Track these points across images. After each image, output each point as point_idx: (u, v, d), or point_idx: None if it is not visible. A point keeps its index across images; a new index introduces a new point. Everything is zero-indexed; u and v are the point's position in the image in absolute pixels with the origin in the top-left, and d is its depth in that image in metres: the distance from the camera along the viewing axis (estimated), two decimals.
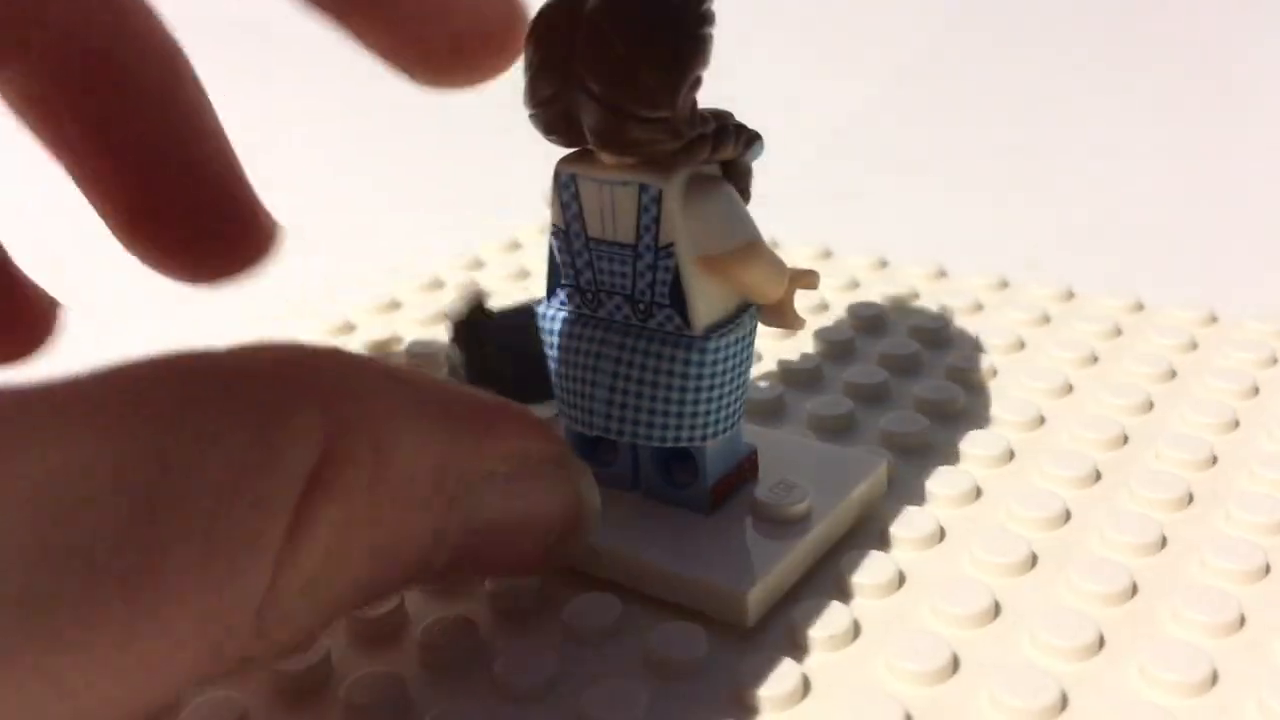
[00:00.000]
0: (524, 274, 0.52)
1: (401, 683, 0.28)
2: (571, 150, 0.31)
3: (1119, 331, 0.44)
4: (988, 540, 0.32)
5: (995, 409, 0.39)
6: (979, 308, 0.47)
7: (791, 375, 0.42)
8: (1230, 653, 0.28)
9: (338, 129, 0.84)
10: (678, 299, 0.30)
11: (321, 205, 0.68)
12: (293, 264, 0.58)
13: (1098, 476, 0.35)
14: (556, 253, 0.32)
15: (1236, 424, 0.38)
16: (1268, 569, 0.31)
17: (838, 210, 0.62)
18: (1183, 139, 0.72)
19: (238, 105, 0.89)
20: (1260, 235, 0.57)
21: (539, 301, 0.33)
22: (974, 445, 0.37)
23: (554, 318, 0.32)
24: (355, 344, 0.46)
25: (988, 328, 0.44)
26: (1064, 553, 0.32)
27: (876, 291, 0.48)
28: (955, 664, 0.28)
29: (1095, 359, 0.42)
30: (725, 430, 0.32)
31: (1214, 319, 0.44)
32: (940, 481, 0.35)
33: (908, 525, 0.33)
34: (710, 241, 0.30)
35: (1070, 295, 0.47)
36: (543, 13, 0.29)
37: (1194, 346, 0.43)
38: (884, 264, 0.51)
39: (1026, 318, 0.45)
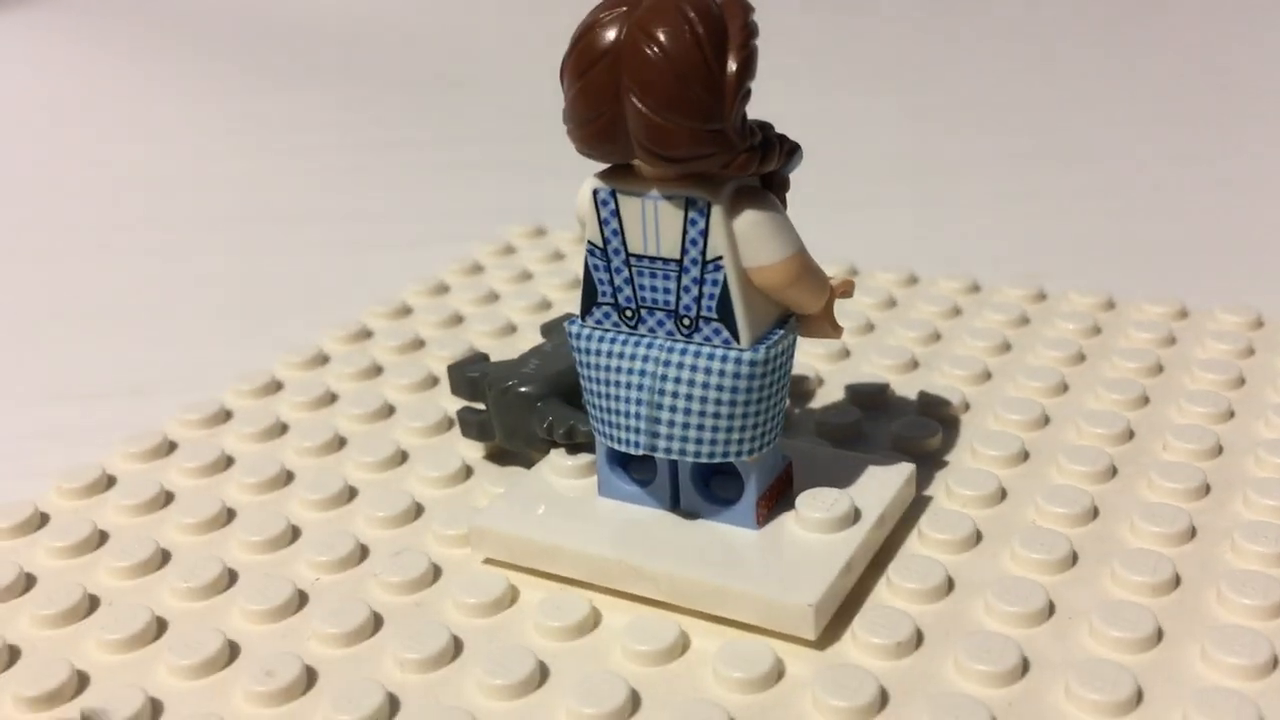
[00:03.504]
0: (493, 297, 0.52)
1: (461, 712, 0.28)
2: (604, 167, 0.31)
3: (1098, 329, 0.45)
4: (1026, 538, 0.33)
5: (999, 409, 0.39)
6: (957, 311, 0.47)
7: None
8: None
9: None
10: (726, 313, 0.30)
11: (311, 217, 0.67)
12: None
13: (1114, 471, 0.36)
14: (593, 270, 0.31)
15: (1232, 414, 0.39)
16: None
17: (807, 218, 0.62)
18: (1159, 140, 0.74)
19: (226, 123, 0.87)
20: (1220, 231, 0.60)
21: (570, 318, 0.32)
22: (988, 446, 0.37)
23: (589, 336, 0.32)
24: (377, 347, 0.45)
25: (971, 330, 0.45)
26: (1101, 546, 0.33)
27: (853, 300, 0.49)
28: (1025, 664, 0.29)
29: (1083, 357, 0.43)
30: (771, 442, 0.31)
31: (1185, 313, 0.46)
32: (963, 483, 0.35)
33: (944, 528, 0.33)
34: (759, 254, 0.30)
35: (1042, 296, 0.48)
36: (584, 29, 0.28)
37: (1172, 341, 0.44)
38: (854, 272, 0.52)
39: (1006, 319, 0.46)
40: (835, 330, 0.32)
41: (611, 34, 0.28)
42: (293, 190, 0.74)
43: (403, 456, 0.39)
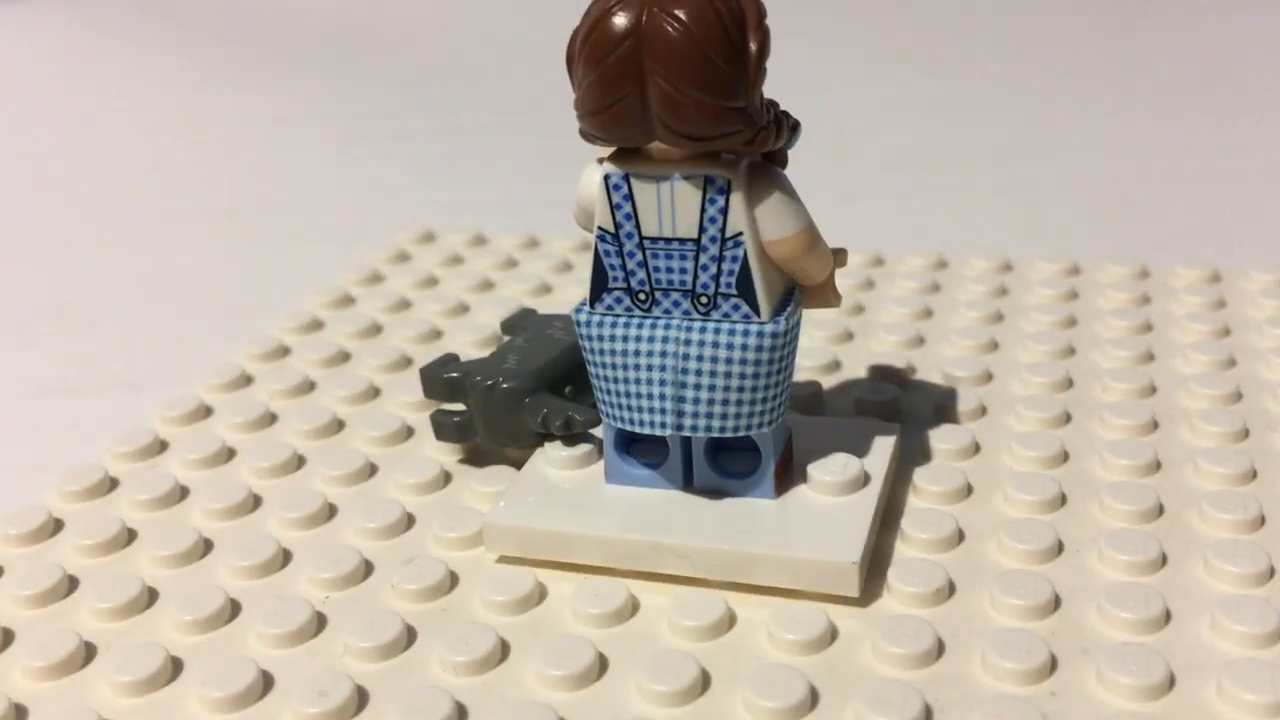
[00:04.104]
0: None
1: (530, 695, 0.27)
2: (606, 154, 0.31)
3: (1005, 290, 0.48)
4: (1016, 483, 0.34)
5: (945, 368, 0.41)
6: (870, 284, 0.49)
7: None
8: None
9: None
10: (746, 288, 0.31)
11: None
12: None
13: (1069, 416, 0.38)
14: (604, 256, 0.31)
15: (1151, 356, 0.42)
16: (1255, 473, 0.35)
17: None
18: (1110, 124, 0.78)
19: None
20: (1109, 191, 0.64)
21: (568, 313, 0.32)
22: (947, 403, 0.39)
23: (600, 323, 0.32)
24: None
25: (892, 299, 0.47)
26: (1082, 483, 0.35)
27: None
28: (1056, 597, 0.30)
29: (1000, 316, 0.46)
30: (785, 412, 0.32)
31: (1077, 270, 0.49)
32: (939, 439, 0.37)
33: (938, 481, 0.35)
34: (777, 228, 0.30)
35: (944, 263, 0.51)
36: (598, 17, 0.28)
37: (1075, 295, 0.47)
38: None
39: (918, 286, 0.48)
40: (837, 298, 0.33)
41: (630, 18, 0.28)
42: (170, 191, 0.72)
43: (372, 468, 0.38)
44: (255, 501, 0.37)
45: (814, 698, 0.28)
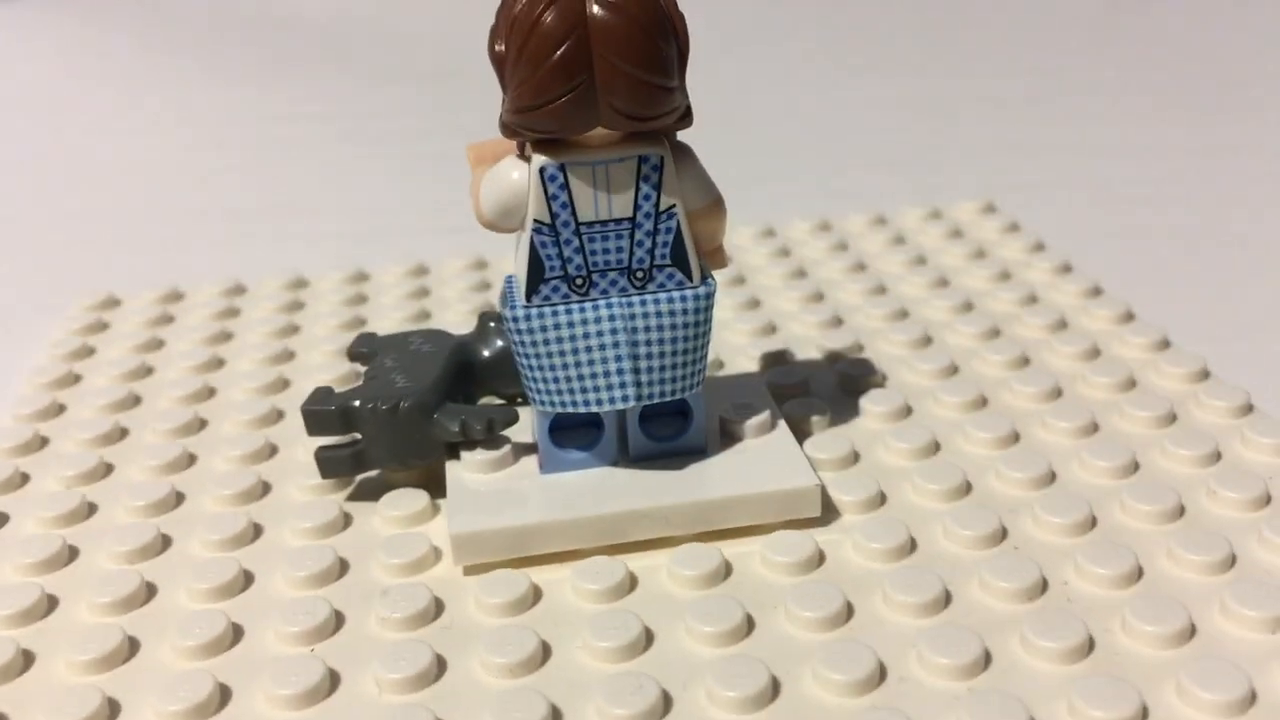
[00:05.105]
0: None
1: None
2: (515, 148, 0.32)
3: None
4: (871, 398, 0.39)
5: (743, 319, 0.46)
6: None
7: None
8: None
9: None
10: (680, 256, 0.33)
11: None
12: None
13: (951, 369, 0.43)
14: (540, 248, 0.32)
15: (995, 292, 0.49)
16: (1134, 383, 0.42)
17: None
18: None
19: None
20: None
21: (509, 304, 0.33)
22: (798, 347, 0.43)
23: (540, 315, 0.32)
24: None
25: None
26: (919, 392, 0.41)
27: None
28: (968, 485, 0.35)
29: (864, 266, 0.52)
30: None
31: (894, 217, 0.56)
32: (783, 376, 0.41)
33: (806, 412, 0.39)
34: (700, 196, 0.33)
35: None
36: (535, 18, 0.29)
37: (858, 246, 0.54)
38: None
39: None
40: (727, 258, 0.36)
41: (572, 10, 0.29)
42: None
43: (256, 531, 0.35)
44: (148, 594, 0.33)
45: (848, 601, 0.31)
